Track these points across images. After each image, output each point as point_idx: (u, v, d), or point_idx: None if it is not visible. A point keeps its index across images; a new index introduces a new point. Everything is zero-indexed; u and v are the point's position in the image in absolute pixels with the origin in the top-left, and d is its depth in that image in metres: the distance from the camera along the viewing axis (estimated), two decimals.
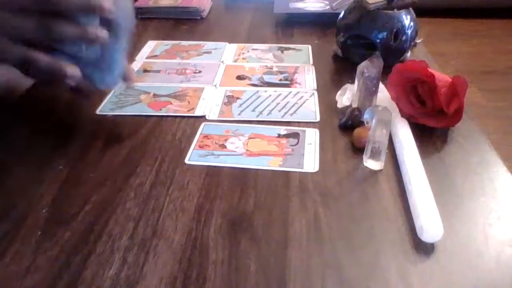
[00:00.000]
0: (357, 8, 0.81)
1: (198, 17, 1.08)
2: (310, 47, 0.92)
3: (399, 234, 0.48)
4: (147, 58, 0.89)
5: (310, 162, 0.59)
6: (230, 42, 0.95)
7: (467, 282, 0.43)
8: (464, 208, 0.52)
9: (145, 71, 0.83)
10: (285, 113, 0.70)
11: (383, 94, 0.68)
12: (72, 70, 0.55)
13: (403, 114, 0.65)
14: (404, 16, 0.80)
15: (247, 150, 0.62)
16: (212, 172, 0.57)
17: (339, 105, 0.70)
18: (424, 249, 0.46)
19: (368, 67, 0.64)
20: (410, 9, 0.82)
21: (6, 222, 0.50)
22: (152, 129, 0.66)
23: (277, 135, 0.65)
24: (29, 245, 0.47)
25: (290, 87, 0.78)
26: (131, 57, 0.87)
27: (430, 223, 0.47)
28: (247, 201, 0.53)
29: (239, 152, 0.61)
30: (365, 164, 0.58)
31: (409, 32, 0.80)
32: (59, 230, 0.49)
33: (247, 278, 0.43)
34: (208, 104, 0.72)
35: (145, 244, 0.47)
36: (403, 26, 0.79)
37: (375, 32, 0.79)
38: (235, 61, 0.87)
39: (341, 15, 0.86)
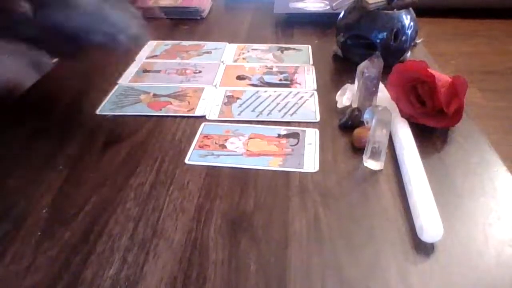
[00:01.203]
0: (357, 8, 0.81)
1: (198, 17, 1.08)
2: (310, 47, 0.92)
3: (399, 234, 0.48)
4: (147, 58, 0.89)
5: (310, 162, 0.59)
6: (230, 42, 0.95)
7: (467, 282, 0.43)
8: (464, 208, 0.52)
9: (145, 71, 0.83)
10: (285, 113, 0.70)
11: (383, 94, 0.68)
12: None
13: (403, 114, 0.65)
14: (404, 16, 0.80)
15: (247, 150, 0.62)
16: (212, 172, 0.57)
17: (339, 105, 0.70)
18: (424, 249, 0.46)
19: (368, 67, 0.64)
20: (410, 9, 0.82)
21: (6, 222, 0.50)
22: (152, 129, 0.66)
23: (277, 135, 0.65)
24: (29, 245, 0.47)
25: (290, 87, 0.78)
26: (131, 57, 0.88)
27: (430, 223, 0.47)
28: (247, 201, 0.53)
29: (239, 152, 0.61)
30: (365, 164, 0.58)
31: (409, 32, 0.80)
32: (59, 230, 0.49)
33: (247, 278, 0.43)
34: (208, 104, 0.72)
35: (145, 244, 0.47)
36: (403, 26, 0.79)
37: (375, 32, 0.79)
38: (235, 61, 0.87)
39: (341, 15, 0.86)
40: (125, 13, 0.65)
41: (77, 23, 0.60)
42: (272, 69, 0.84)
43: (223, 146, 0.62)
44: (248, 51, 0.91)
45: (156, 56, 0.90)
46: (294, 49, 0.92)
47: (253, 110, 0.71)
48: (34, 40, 0.64)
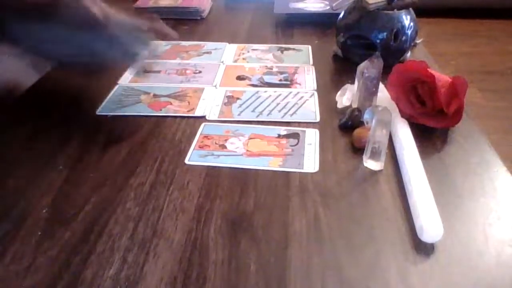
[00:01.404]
0: (357, 8, 0.81)
1: (198, 17, 1.08)
2: (310, 47, 0.92)
3: (399, 234, 0.48)
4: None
5: (310, 162, 0.59)
6: (230, 42, 0.95)
7: (467, 282, 0.43)
8: (464, 208, 0.52)
9: (145, 71, 0.83)
10: (285, 113, 0.70)
11: (383, 94, 0.68)
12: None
13: (403, 114, 0.65)
14: (404, 16, 0.80)
15: (247, 150, 0.62)
16: (212, 172, 0.57)
17: (339, 106, 0.70)
18: (424, 249, 0.46)
19: (368, 68, 0.64)
20: (410, 9, 0.82)
21: (6, 222, 0.50)
22: (152, 129, 0.66)
23: (277, 136, 0.65)
24: (29, 245, 0.47)
25: (290, 87, 0.78)
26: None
27: (430, 223, 0.47)
28: (247, 201, 0.53)
29: (239, 152, 0.61)
30: (365, 164, 0.58)
31: (409, 32, 0.80)
32: (59, 230, 0.49)
33: (247, 278, 0.43)
34: (208, 105, 0.72)
35: (145, 244, 0.47)
36: (403, 26, 0.79)
37: (375, 32, 0.79)
38: (235, 61, 0.87)
39: (341, 15, 0.86)
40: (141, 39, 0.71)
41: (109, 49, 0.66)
42: (272, 69, 0.84)
43: (223, 146, 0.62)
44: (248, 51, 0.91)
45: (156, 56, 0.90)
46: (294, 49, 0.92)
47: (253, 110, 0.71)
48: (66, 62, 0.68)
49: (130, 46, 0.67)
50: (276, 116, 0.69)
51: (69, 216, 0.51)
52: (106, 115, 0.70)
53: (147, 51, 0.71)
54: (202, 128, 0.66)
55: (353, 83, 0.70)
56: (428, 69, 0.65)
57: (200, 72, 0.83)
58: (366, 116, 0.61)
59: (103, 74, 0.76)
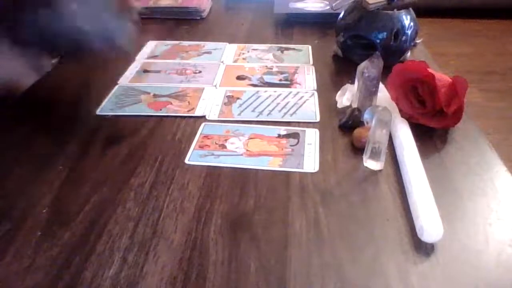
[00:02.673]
0: (357, 8, 0.81)
1: (198, 17, 1.08)
2: (310, 47, 0.92)
3: (399, 234, 0.48)
4: (147, 58, 0.89)
5: (310, 162, 0.59)
6: (230, 42, 0.95)
7: (467, 282, 0.43)
8: (464, 208, 0.52)
9: (145, 71, 0.83)
10: (285, 113, 0.70)
11: (383, 94, 0.68)
12: None
13: (403, 115, 0.65)
14: (404, 16, 0.80)
15: (247, 150, 0.62)
16: (212, 172, 0.57)
17: (339, 105, 0.70)
18: (424, 249, 0.46)
19: (368, 67, 0.64)
20: (410, 9, 0.82)
21: (6, 222, 0.50)
22: (152, 129, 0.66)
23: (277, 135, 0.65)
24: (29, 245, 0.47)
25: (290, 87, 0.78)
26: (132, 57, 0.88)
27: (430, 224, 0.47)
28: (247, 201, 0.53)
29: (239, 152, 0.61)
30: (365, 164, 0.58)
31: (409, 32, 0.80)
32: (59, 230, 0.49)
33: (247, 278, 0.43)
34: (208, 104, 0.72)
35: (145, 244, 0.47)
36: (403, 26, 0.79)
37: (375, 32, 0.79)
38: (235, 61, 0.87)
39: (341, 15, 0.86)
40: (122, 20, 0.69)
41: (79, 26, 0.64)
42: (272, 69, 0.84)
43: (223, 146, 0.62)
44: (248, 51, 0.91)
45: (156, 56, 0.90)
46: (294, 49, 0.92)
47: (253, 110, 0.71)
48: (35, 41, 0.66)
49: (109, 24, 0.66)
50: (276, 116, 0.69)
51: (69, 216, 0.51)
52: (106, 115, 0.70)
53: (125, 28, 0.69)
54: (202, 128, 0.66)
55: (353, 83, 0.70)
56: (428, 69, 0.65)
57: (200, 72, 0.83)
58: (366, 116, 0.61)
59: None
